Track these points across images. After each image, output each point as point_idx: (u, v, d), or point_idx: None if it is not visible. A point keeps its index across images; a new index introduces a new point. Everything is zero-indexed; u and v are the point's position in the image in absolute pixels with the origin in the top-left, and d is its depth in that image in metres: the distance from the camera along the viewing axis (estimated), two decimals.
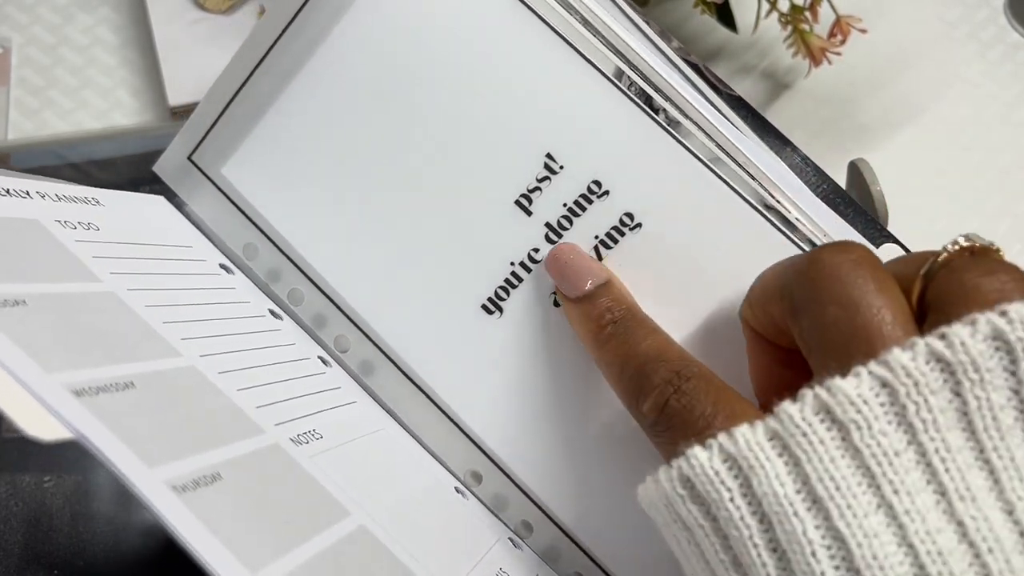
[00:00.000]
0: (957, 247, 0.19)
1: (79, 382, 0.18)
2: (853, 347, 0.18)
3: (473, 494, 0.28)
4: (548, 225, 0.26)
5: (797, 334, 0.20)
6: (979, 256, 0.19)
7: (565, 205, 0.26)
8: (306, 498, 0.21)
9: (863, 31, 0.43)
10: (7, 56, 0.45)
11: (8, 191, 0.23)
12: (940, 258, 0.19)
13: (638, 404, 0.21)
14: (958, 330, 0.17)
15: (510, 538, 0.27)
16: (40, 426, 0.17)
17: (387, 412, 0.28)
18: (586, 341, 0.24)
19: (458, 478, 0.28)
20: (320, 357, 0.28)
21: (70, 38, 0.46)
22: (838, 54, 0.43)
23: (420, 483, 0.26)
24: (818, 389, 0.17)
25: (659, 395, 0.20)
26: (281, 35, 0.28)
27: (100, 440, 0.17)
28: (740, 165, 0.25)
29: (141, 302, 0.23)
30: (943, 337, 0.17)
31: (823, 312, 0.18)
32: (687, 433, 0.19)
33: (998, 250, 0.19)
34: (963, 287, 0.18)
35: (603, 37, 0.26)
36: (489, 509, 0.27)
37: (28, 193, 0.24)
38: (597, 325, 0.24)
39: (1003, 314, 0.16)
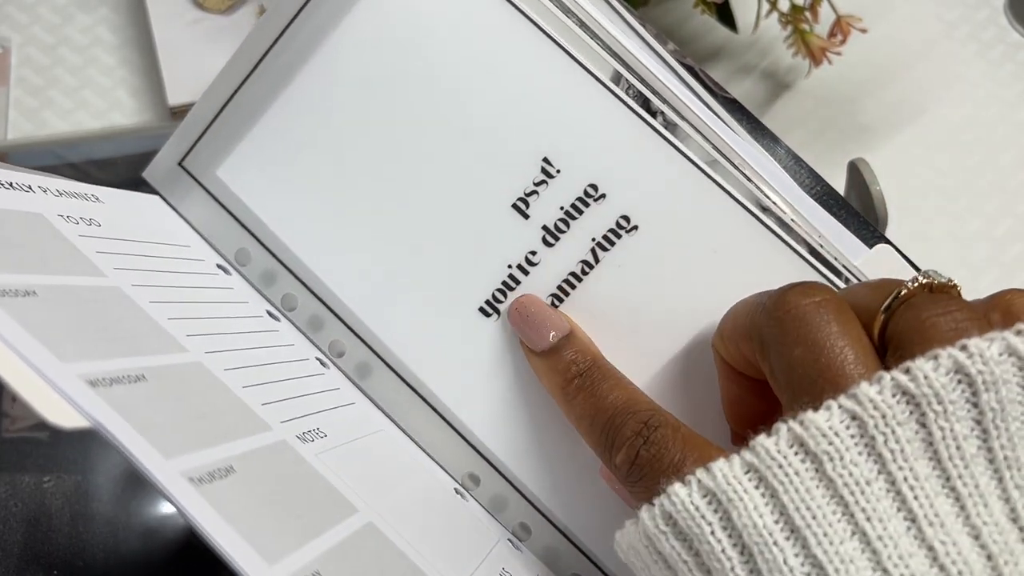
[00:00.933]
0: (916, 284, 0.20)
1: (93, 372, 0.18)
2: (820, 384, 0.19)
3: (472, 496, 0.28)
4: (545, 228, 0.26)
5: (767, 371, 0.20)
6: (937, 293, 0.20)
7: (562, 208, 0.26)
8: (316, 494, 0.22)
9: (863, 31, 0.43)
10: (7, 56, 0.45)
11: (11, 184, 0.23)
12: (900, 293, 0.20)
13: (611, 456, 0.22)
14: (921, 364, 0.17)
15: (509, 539, 0.27)
16: (59, 414, 0.17)
17: (385, 414, 0.28)
18: (554, 394, 0.25)
19: (456, 480, 0.28)
20: (318, 359, 0.28)
21: (70, 38, 0.46)
22: (838, 54, 0.43)
23: (421, 483, 0.26)
24: (791, 423, 0.18)
25: (630, 447, 0.21)
26: (275, 42, 0.28)
27: (118, 430, 0.17)
28: (736, 167, 0.25)
29: (145, 298, 0.23)
30: (907, 371, 0.17)
31: (790, 352, 0.19)
32: (659, 480, 0.20)
33: (955, 286, 0.20)
34: (922, 323, 0.19)
35: (600, 41, 0.26)
36: (488, 511, 0.27)
37: (31, 187, 0.24)
38: (564, 378, 0.25)
39: (963, 348, 0.17)
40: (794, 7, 0.43)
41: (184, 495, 0.17)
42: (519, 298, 0.26)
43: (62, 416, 0.17)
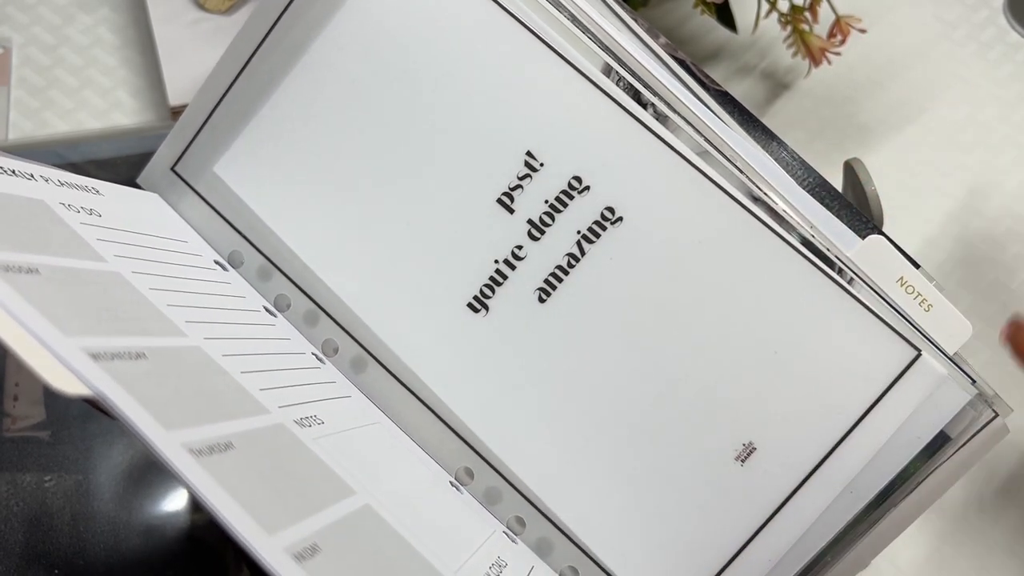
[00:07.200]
0: None
1: (95, 347, 0.19)
2: None
3: (466, 491, 0.28)
4: (530, 222, 0.27)
5: None
6: None
7: (547, 202, 0.27)
8: (314, 474, 0.22)
9: (863, 31, 0.43)
10: (7, 56, 0.45)
11: (14, 171, 0.23)
12: None
13: None
14: None
15: (504, 532, 0.27)
16: (63, 381, 0.17)
17: (380, 410, 0.28)
18: None
19: (451, 475, 0.28)
20: (315, 354, 0.28)
21: (70, 38, 0.46)
22: (838, 54, 0.43)
23: (416, 475, 0.26)
24: None
25: None
26: (259, 47, 0.28)
27: (120, 400, 0.18)
28: (727, 159, 0.26)
29: (145, 285, 0.23)
30: None
31: None
32: None
33: None
34: None
35: (591, 34, 0.26)
36: (483, 505, 0.28)
37: (33, 176, 0.24)
38: None
39: None
40: (794, 7, 0.43)
41: (185, 465, 0.18)
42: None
43: (66, 383, 0.17)
